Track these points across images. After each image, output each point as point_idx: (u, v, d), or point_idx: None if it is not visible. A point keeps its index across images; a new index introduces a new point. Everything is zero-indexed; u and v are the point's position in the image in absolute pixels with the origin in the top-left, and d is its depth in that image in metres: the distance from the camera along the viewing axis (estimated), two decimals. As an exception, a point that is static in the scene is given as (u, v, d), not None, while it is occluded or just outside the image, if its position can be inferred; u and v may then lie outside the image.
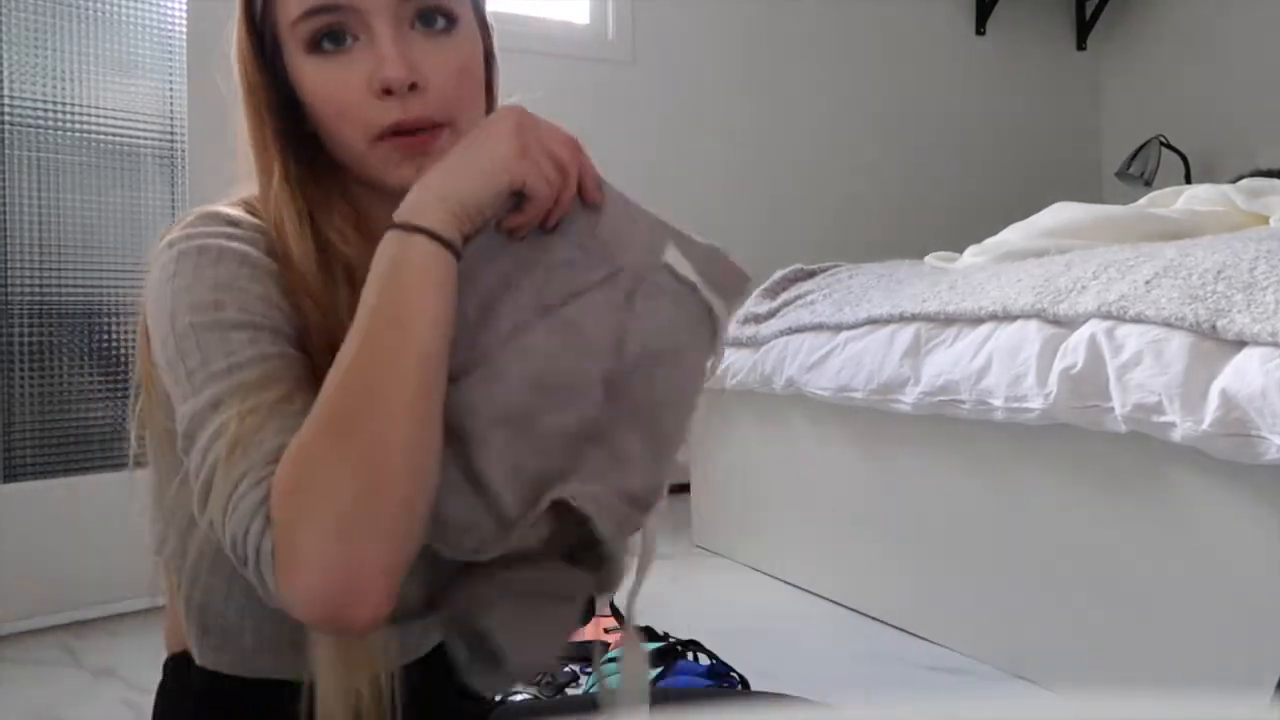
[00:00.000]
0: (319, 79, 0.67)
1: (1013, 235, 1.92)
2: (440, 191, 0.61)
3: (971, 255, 1.98)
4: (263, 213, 0.68)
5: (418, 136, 0.67)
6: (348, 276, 0.68)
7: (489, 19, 0.74)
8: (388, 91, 0.65)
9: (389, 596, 0.54)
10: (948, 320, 1.61)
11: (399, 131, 0.67)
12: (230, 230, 0.66)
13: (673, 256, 0.64)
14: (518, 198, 0.63)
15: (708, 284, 0.65)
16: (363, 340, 0.58)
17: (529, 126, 0.63)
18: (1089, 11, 3.93)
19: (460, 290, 0.60)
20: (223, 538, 0.57)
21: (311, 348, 0.64)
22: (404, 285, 0.59)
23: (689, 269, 0.64)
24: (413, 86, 0.66)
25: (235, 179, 0.71)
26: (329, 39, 0.66)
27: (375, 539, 0.53)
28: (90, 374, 1.92)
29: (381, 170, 0.69)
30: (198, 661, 0.75)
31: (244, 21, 0.69)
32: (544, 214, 0.65)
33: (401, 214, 0.61)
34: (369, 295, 0.59)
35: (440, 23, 0.67)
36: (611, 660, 1.37)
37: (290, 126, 0.69)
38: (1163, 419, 1.19)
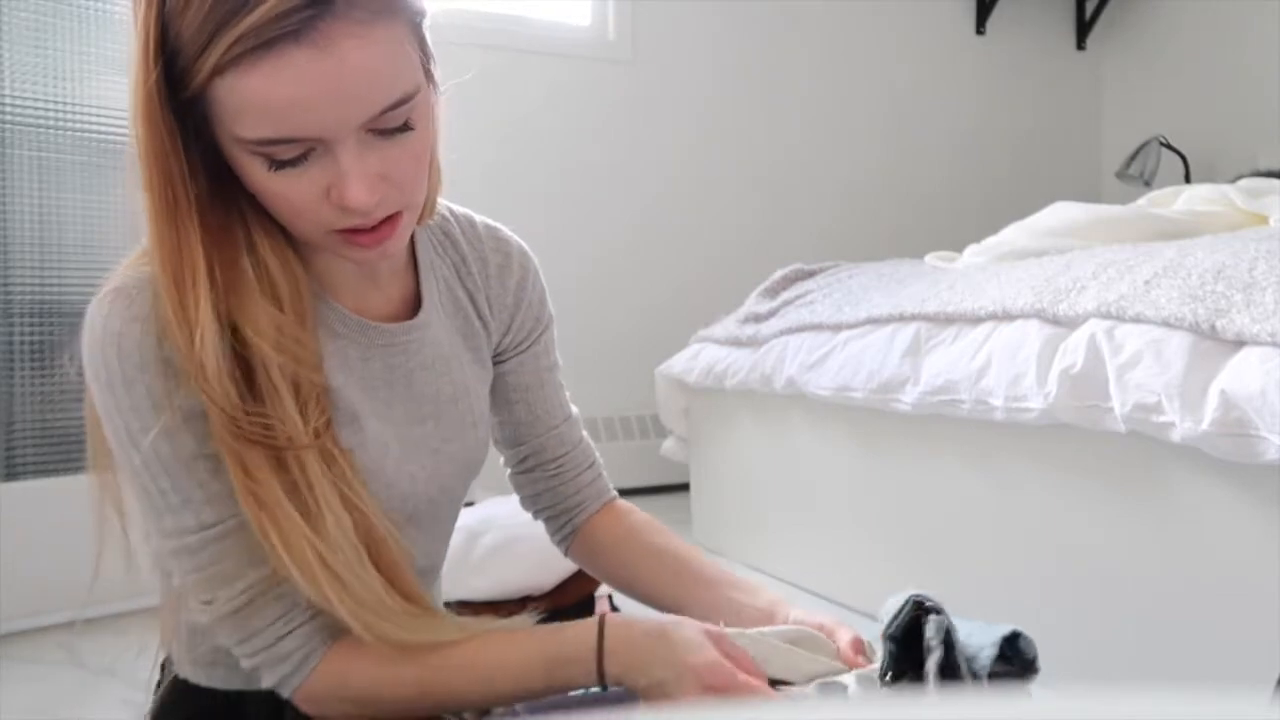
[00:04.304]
0: (270, 184, 0.61)
1: (1013, 235, 1.92)
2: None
3: (971, 255, 1.98)
4: (165, 307, 0.64)
5: (378, 231, 0.64)
6: (246, 375, 0.64)
7: (431, 50, 0.65)
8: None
9: None
10: (948, 320, 1.61)
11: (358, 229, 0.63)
12: (139, 333, 0.65)
13: None
14: None
15: None
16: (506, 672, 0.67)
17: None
18: (1089, 11, 3.92)
19: None
20: (231, 646, 0.66)
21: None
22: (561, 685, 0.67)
23: None
24: None
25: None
26: (285, 159, 0.59)
27: None
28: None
29: (335, 251, 0.66)
30: (180, 674, 0.76)
31: (147, 78, 0.58)
32: None
33: (612, 669, 0.66)
34: (536, 668, 0.67)
35: (400, 126, 0.61)
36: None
37: (203, 186, 0.63)
38: (1162, 419, 1.19)
